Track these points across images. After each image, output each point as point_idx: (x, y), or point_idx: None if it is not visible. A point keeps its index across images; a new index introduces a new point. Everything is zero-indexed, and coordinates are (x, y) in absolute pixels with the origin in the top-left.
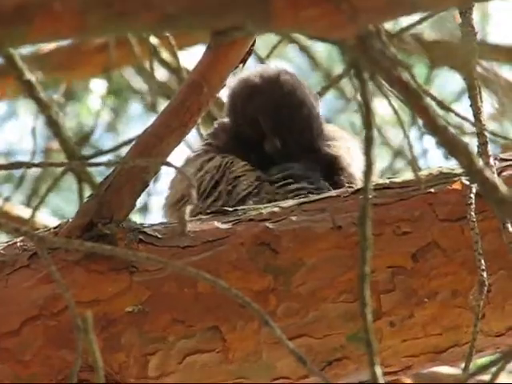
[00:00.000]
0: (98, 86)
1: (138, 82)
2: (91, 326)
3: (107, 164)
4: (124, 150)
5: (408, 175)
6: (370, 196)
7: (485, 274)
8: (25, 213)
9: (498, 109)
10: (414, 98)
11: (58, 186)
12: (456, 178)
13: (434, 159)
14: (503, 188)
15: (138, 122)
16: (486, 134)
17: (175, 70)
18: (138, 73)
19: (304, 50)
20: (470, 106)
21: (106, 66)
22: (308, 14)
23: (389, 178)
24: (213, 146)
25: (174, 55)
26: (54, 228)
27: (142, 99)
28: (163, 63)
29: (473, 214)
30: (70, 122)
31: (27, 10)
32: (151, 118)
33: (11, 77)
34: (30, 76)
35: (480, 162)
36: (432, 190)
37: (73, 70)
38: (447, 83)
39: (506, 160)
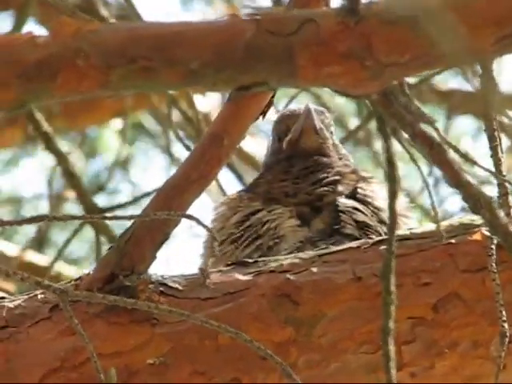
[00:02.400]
0: (115, 127)
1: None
2: (115, 381)
3: (128, 218)
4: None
5: (428, 226)
6: (395, 249)
7: (506, 325)
8: (37, 259)
9: None
10: (437, 153)
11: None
12: (476, 229)
13: (451, 207)
14: None
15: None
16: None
17: (191, 118)
18: (155, 117)
19: (318, 99)
20: (491, 156)
21: (121, 111)
22: (331, 71)
23: (409, 229)
24: (257, 192)
25: (191, 104)
26: (75, 280)
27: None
28: (180, 111)
29: (494, 265)
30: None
31: (50, 65)
32: (166, 164)
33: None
34: (47, 127)
35: (502, 216)
36: (453, 241)
37: (88, 115)
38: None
39: None
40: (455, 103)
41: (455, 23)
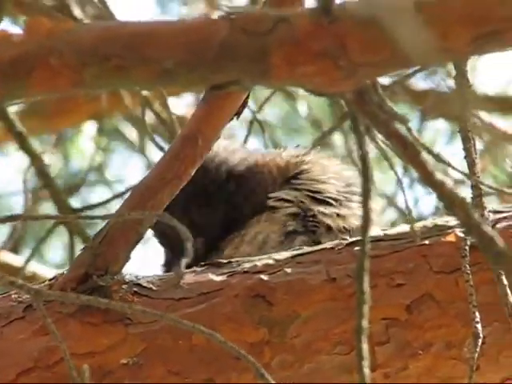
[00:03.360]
0: (89, 130)
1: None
2: (88, 380)
3: (102, 217)
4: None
5: (401, 227)
6: (369, 253)
7: (479, 327)
8: (11, 259)
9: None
10: (411, 153)
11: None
12: (450, 230)
13: (425, 207)
14: (500, 242)
15: (126, 165)
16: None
17: (165, 120)
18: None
19: (292, 99)
20: (465, 157)
21: (95, 113)
22: (305, 70)
23: (383, 230)
24: None
25: (165, 105)
26: (49, 280)
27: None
28: (154, 113)
29: (467, 266)
30: (59, 165)
31: (24, 63)
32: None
33: None
34: (21, 128)
35: (477, 216)
36: (426, 242)
37: (63, 117)
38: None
39: (500, 212)
40: (429, 104)
41: (421, 23)
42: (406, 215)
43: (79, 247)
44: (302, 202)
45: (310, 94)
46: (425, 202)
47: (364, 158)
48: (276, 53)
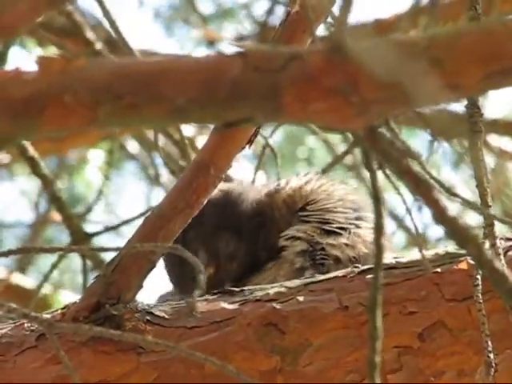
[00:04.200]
0: (96, 156)
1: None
2: None
3: (116, 249)
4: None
5: (413, 254)
6: (382, 283)
7: (491, 355)
8: (21, 281)
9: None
10: (424, 190)
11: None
12: (462, 258)
13: (435, 232)
14: None
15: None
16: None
17: (178, 142)
18: (140, 144)
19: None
20: (476, 186)
21: (106, 136)
22: (317, 108)
23: (395, 258)
24: None
25: (178, 129)
26: (62, 309)
27: (144, 171)
28: (167, 136)
29: (479, 295)
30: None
31: (37, 101)
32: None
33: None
34: (34, 153)
35: (489, 253)
36: (438, 270)
37: (75, 139)
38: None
39: (511, 240)
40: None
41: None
42: (416, 239)
43: (92, 271)
44: (311, 236)
45: (322, 130)
46: (435, 226)
47: (377, 195)
48: (288, 90)
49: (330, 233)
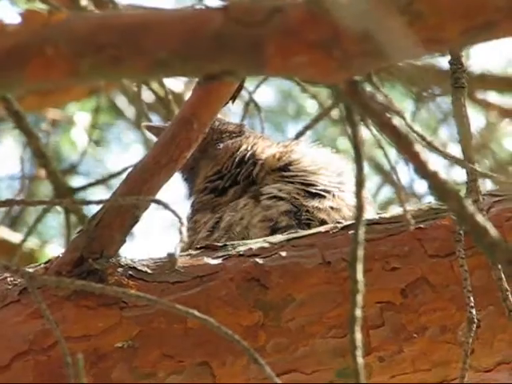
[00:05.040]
0: (82, 116)
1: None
2: (82, 368)
3: (98, 202)
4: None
5: (396, 210)
6: (364, 238)
7: (474, 311)
8: (8, 235)
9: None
10: (404, 144)
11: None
12: (445, 214)
13: (421, 187)
14: (493, 232)
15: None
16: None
17: (163, 98)
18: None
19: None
20: (460, 142)
21: (93, 90)
22: (299, 61)
23: (378, 213)
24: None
25: (161, 84)
26: (45, 263)
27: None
28: (151, 90)
29: (462, 250)
30: (55, 147)
31: (20, 54)
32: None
33: None
34: (18, 107)
35: (470, 207)
36: (421, 226)
37: (60, 94)
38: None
39: (495, 195)
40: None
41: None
42: (399, 194)
43: (75, 226)
44: (295, 198)
45: (305, 83)
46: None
47: (357, 149)
48: (270, 43)
49: (314, 195)
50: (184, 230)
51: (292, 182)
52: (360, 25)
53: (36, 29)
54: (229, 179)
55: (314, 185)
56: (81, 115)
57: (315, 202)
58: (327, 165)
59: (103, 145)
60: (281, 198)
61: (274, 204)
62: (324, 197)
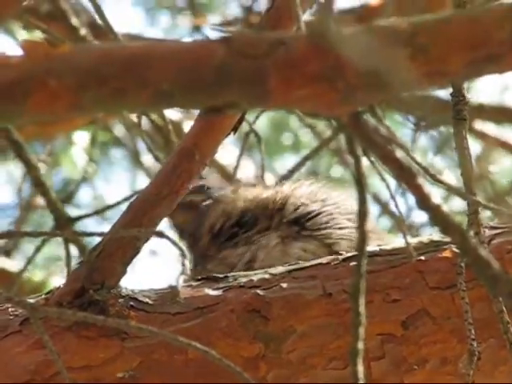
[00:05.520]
0: (82, 138)
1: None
2: None
3: (99, 234)
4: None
5: (397, 241)
6: (365, 270)
7: (475, 344)
8: (5, 264)
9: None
10: (407, 176)
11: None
12: (446, 246)
13: (419, 216)
14: (496, 265)
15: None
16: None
17: (162, 128)
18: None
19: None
20: (461, 174)
21: (91, 120)
22: (301, 93)
23: (379, 246)
24: None
25: (162, 114)
26: (46, 294)
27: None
28: (151, 121)
29: (463, 283)
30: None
31: (22, 86)
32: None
33: None
34: (18, 136)
35: (473, 240)
36: (422, 258)
37: (58, 124)
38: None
39: (496, 228)
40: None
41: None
42: (399, 225)
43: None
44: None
45: (307, 116)
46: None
47: (360, 181)
48: (273, 76)
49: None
50: (186, 262)
51: (313, 237)
52: (363, 58)
53: (39, 60)
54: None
55: (337, 242)
56: (80, 136)
57: None
58: (343, 210)
59: (99, 175)
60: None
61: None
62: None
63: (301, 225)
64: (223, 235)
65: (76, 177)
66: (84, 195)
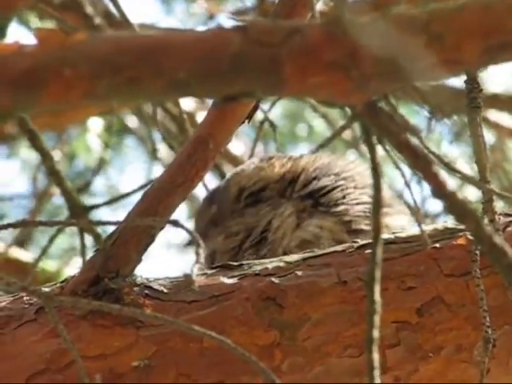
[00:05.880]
0: (96, 125)
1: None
2: None
3: (114, 223)
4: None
5: (412, 229)
6: (380, 260)
7: (489, 331)
8: (20, 255)
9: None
10: (422, 164)
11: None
12: (461, 233)
13: (434, 205)
14: (511, 253)
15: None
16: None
17: (177, 117)
18: (139, 118)
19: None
20: (475, 162)
21: (105, 109)
22: (316, 82)
23: (394, 233)
24: None
25: (177, 103)
26: (61, 282)
27: (143, 144)
28: (166, 111)
29: (478, 270)
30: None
31: (37, 75)
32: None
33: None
34: (33, 126)
35: (488, 228)
36: (437, 245)
37: (73, 113)
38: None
39: (510, 215)
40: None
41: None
42: (414, 213)
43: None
44: (338, 236)
45: (322, 104)
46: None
47: (375, 169)
48: (288, 64)
49: (358, 232)
50: (201, 250)
51: (329, 214)
52: (378, 46)
53: (54, 50)
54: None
55: (355, 220)
56: (95, 122)
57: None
58: (356, 182)
59: (113, 164)
60: (320, 237)
61: (316, 241)
62: (367, 234)
63: (315, 199)
64: (245, 201)
65: (91, 164)
66: (99, 185)
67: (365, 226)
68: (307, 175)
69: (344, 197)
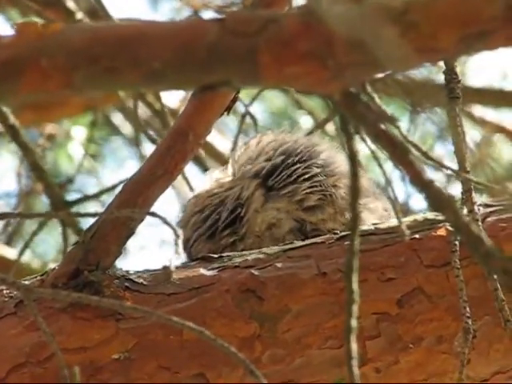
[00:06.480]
0: (79, 130)
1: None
2: (78, 381)
3: (93, 215)
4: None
5: (392, 221)
6: (359, 248)
7: (470, 322)
8: (4, 251)
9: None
10: (399, 153)
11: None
12: (440, 224)
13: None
14: (488, 242)
15: (120, 161)
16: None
17: (158, 111)
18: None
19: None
20: (454, 152)
21: (88, 106)
22: (293, 71)
23: (374, 224)
24: None
25: (158, 97)
26: (41, 275)
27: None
28: (147, 104)
29: (457, 261)
30: (51, 161)
31: (14, 66)
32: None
33: None
34: (14, 121)
35: (466, 217)
36: (417, 236)
37: (56, 109)
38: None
39: (490, 206)
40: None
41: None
42: (394, 206)
43: (73, 238)
44: (294, 214)
45: (299, 93)
46: (418, 196)
47: (352, 158)
48: (265, 53)
49: (313, 208)
50: (179, 241)
51: (282, 193)
52: (354, 34)
53: (31, 41)
54: None
55: (308, 198)
56: (77, 130)
57: (318, 215)
58: (313, 156)
59: (99, 160)
60: (279, 219)
61: (277, 223)
62: (323, 208)
63: (263, 182)
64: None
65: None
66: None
67: (315, 201)
68: (251, 157)
69: (291, 175)
